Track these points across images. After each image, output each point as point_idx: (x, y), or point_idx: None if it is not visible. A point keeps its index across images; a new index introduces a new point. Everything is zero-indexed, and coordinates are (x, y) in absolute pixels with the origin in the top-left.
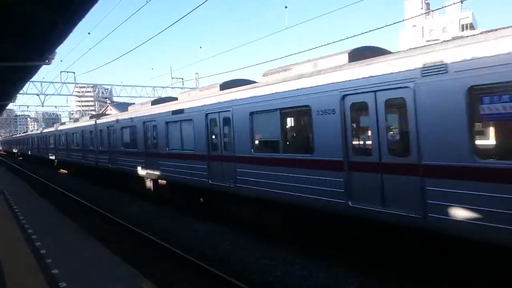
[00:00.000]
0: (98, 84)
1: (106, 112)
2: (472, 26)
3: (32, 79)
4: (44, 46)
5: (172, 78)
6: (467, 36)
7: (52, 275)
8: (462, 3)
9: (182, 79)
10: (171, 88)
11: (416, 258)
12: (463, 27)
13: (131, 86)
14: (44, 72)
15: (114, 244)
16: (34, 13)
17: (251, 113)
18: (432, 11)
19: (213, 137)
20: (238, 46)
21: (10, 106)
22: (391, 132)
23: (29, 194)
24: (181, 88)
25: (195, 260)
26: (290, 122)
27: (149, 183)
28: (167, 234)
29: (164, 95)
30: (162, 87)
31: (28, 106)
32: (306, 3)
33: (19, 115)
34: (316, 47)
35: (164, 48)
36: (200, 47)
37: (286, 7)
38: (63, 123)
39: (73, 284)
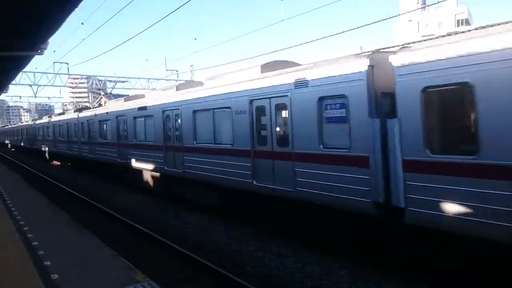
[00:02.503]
0: (92, 76)
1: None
2: (467, 22)
3: (25, 70)
4: (37, 36)
5: (166, 70)
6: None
7: (44, 267)
8: None
9: (177, 71)
10: (166, 80)
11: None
12: (459, 22)
13: (125, 77)
14: (37, 63)
15: (107, 236)
16: (26, 1)
17: None
18: (428, 5)
19: None
20: (233, 38)
21: (3, 96)
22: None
23: (22, 185)
24: (176, 80)
25: (189, 252)
26: None
27: None
28: (162, 226)
29: (158, 87)
30: (156, 79)
31: (20, 97)
32: None
33: (11, 106)
34: (312, 41)
35: (159, 39)
36: (195, 39)
37: None
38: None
39: (65, 276)
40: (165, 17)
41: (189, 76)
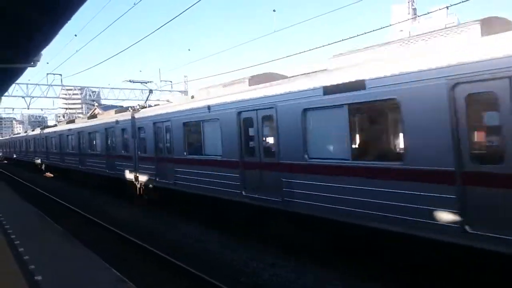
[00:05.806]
0: (86, 87)
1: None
2: None
3: (18, 81)
4: (29, 48)
5: (160, 81)
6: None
7: (35, 281)
8: (447, 8)
9: (171, 82)
10: (160, 91)
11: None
12: None
13: (119, 88)
14: (30, 74)
15: (100, 248)
16: (19, 13)
17: None
18: (419, 16)
19: None
20: (226, 49)
21: None
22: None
23: (12, 197)
24: (169, 91)
25: (182, 264)
26: None
27: None
28: (155, 236)
29: (152, 98)
30: (150, 90)
31: (13, 108)
32: (295, 7)
33: (4, 118)
34: (304, 51)
35: (153, 50)
36: (189, 50)
37: (274, 10)
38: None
39: None
40: (158, 28)
41: (183, 87)
